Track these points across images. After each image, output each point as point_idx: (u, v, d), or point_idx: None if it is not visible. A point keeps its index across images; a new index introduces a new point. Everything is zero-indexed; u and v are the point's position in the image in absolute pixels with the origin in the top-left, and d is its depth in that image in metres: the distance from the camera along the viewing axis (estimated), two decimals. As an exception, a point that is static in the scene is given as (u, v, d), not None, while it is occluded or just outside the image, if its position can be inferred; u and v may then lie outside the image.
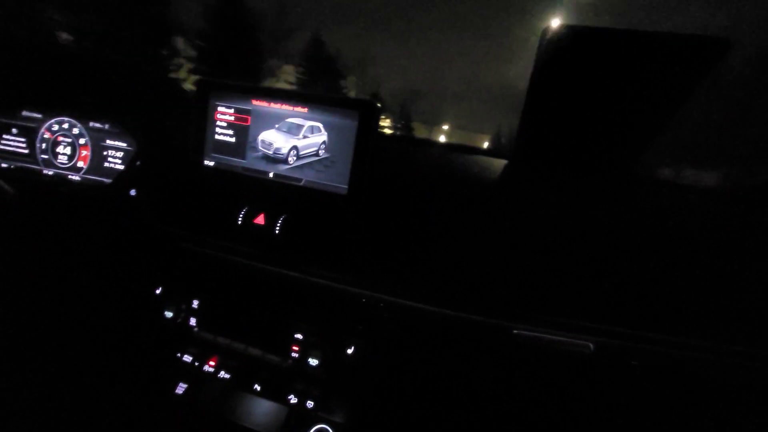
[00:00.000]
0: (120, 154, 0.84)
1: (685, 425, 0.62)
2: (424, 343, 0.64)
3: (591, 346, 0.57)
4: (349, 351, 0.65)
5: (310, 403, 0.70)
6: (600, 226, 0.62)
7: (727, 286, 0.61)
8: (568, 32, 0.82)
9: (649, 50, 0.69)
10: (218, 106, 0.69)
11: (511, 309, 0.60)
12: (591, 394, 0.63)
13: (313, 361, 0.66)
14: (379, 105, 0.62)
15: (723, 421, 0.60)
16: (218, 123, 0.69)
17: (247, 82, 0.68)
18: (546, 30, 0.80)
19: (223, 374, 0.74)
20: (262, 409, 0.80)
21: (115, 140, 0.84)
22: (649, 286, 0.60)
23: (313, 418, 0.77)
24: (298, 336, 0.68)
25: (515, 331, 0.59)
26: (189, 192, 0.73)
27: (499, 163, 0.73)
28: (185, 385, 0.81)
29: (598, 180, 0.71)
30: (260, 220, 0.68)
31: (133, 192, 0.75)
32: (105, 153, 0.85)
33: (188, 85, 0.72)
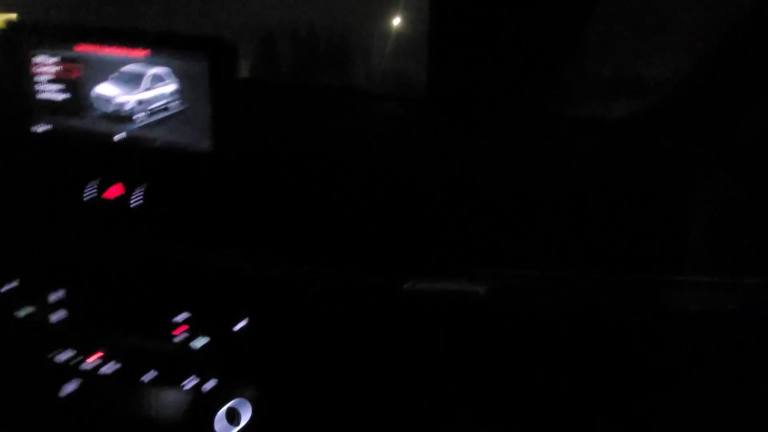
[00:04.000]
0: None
1: (585, 364, 0.65)
2: (316, 308, 0.60)
3: (480, 290, 0.56)
4: (238, 327, 0.60)
5: (209, 385, 0.65)
6: (486, 163, 0.59)
7: (620, 219, 0.61)
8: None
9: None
10: (36, 55, 0.56)
11: (398, 263, 0.57)
12: (491, 340, 0.63)
13: (200, 342, 0.60)
14: (232, 42, 0.53)
15: (620, 359, 0.64)
16: (39, 77, 0.56)
17: (66, 22, 0.55)
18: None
19: (108, 368, 0.66)
20: (164, 398, 0.74)
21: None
22: (538, 222, 0.59)
23: (219, 398, 0.72)
24: (180, 317, 0.61)
25: (405, 286, 0.56)
26: (21, 166, 0.61)
27: (383, 108, 0.67)
28: (71, 386, 0.73)
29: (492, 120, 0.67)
30: (112, 192, 0.58)
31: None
32: None
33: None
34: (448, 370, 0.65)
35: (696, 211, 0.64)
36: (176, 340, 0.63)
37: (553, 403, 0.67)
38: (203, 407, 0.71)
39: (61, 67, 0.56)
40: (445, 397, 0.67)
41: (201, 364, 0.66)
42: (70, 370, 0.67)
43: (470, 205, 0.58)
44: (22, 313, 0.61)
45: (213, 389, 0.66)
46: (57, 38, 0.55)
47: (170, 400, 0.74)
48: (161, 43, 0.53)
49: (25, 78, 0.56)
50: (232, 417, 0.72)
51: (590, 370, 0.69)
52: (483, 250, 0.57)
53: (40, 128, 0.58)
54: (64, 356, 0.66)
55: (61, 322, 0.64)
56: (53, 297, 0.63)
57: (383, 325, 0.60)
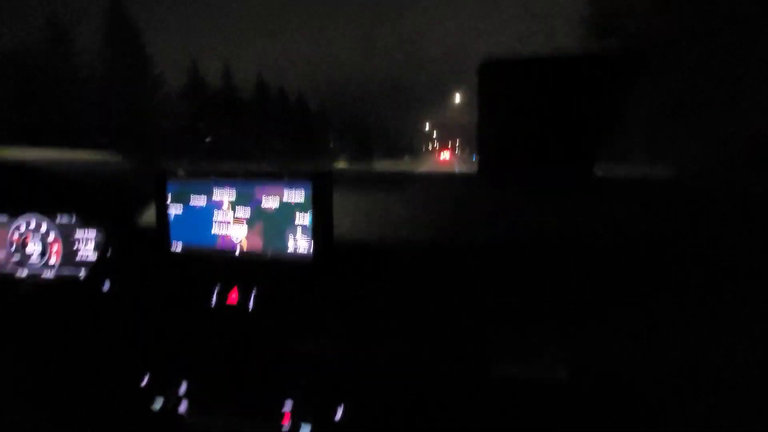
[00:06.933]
0: (90, 244, 0.85)
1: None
2: (411, 389, 0.66)
3: (565, 375, 0.59)
4: (340, 411, 0.66)
5: (309, 469, 0.70)
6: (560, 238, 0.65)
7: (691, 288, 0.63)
8: (503, 64, 0.87)
9: (573, 70, 0.76)
10: (177, 191, 0.71)
11: (485, 346, 0.62)
12: (576, 420, 0.64)
13: (305, 428, 0.67)
14: (329, 172, 0.65)
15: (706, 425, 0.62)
16: (178, 209, 0.71)
17: (202, 166, 0.70)
18: (482, 65, 0.85)
19: (221, 454, 0.74)
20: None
21: (83, 231, 0.86)
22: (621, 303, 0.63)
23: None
24: (287, 406, 0.68)
25: (492, 371, 0.61)
26: (161, 278, 0.74)
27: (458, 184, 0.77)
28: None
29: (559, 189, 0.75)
30: (233, 298, 0.69)
31: (106, 286, 0.76)
32: (75, 246, 0.86)
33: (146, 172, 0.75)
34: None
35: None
36: (281, 427, 0.70)
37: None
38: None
39: (196, 198, 0.71)
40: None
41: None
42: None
43: (553, 288, 0.63)
44: (157, 405, 0.72)
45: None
46: (194, 178, 0.70)
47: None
48: (273, 178, 0.67)
49: (170, 207, 0.71)
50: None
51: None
52: (564, 332, 0.62)
53: (178, 246, 0.72)
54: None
55: (184, 414, 0.74)
56: (180, 390, 0.74)
57: (472, 408, 0.64)
